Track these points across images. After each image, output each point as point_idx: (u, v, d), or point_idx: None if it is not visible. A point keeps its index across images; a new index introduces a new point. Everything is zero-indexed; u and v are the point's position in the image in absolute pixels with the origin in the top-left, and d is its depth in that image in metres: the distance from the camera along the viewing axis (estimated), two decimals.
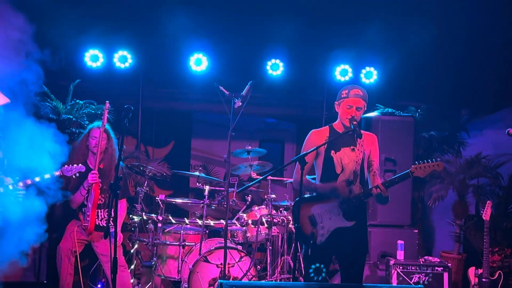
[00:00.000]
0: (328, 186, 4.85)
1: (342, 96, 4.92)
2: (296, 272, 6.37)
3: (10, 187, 4.67)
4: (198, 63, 8.25)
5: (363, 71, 8.63)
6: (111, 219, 4.49)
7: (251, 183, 4.92)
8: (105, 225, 5.91)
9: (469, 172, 7.83)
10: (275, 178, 7.31)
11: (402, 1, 7.70)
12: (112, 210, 4.45)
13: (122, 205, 6.18)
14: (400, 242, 7.08)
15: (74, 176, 5.33)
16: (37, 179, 4.84)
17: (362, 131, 4.91)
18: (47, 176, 4.92)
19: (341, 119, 4.95)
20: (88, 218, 5.72)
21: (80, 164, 5.41)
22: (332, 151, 4.92)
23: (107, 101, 5.66)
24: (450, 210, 8.06)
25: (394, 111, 8.22)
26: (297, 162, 4.68)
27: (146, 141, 9.25)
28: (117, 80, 8.21)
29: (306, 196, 5.04)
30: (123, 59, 8.15)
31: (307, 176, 5.06)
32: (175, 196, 7.71)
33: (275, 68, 8.48)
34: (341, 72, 8.57)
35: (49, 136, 4.97)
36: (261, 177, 5.16)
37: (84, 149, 6.00)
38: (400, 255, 7.00)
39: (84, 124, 7.25)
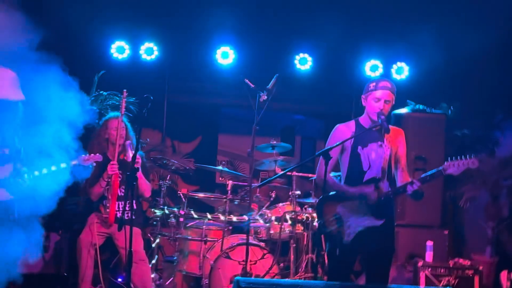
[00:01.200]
0: (357, 191, 4.64)
1: (370, 89, 4.71)
2: (321, 271, 6.21)
3: (26, 176, 4.60)
4: (225, 56, 8.16)
5: (394, 66, 8.45)
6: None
7: (273, 177, 4.78)
8: (127, 217, 5.81)
9: (503, 172, 7.57)
10: (300, 174, 7.14)
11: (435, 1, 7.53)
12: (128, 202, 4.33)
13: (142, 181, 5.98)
14: (429, 243, 6.85)
15: (91, 166, 5.24)
16: (53, 168, 4.77)
17: (390, 126, 4.71)
18: (63, 165, 4.84)
19: (368, 113, 4.75)
20: (108, 210, 5.63)
21: (98, 154, 5.32)
22: (359, 147, 4.73)
23: (125, 90, 5.55)
24: (482, 211, 7.80)
25: (425, 108, 7.99)
26: (321, 158, 4.50)
27: (173, 135, 9.18)
28: (142, 72, 8.17)
29: (331, 193, 4.84)
30: (150, 51, 8.10)
31: (332, 173, 4.87)
32: (200, 191, 7.60)
33: (303, 62, 8.34)
34: (371, 67, 8.39)
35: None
36: (282, 172, 5.01)
37: (102, 141, 5.91)
38: (429, 256, 6.77)
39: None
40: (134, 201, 5.28)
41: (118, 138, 5.66)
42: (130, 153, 5.53)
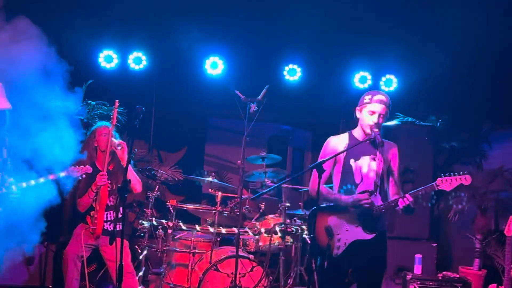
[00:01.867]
0: (350, 197, 4.61)
1: (364, 101, 4.68)
2: (310, 286, 6.16)
3: (14, 187, 4.51)
4: (214, 66, 8.11)
5: (383, 78, 8.45)
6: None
7: (266, 190, 4.73)
8: (112, 229, 5.73)
9: (491, 185, 7.61)
10: (290, 186, 7.10)
11: (425, 12, 7.55)
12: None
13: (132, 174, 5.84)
14: (417, 256, 6.85)
15: (81, 178, 5.15)
16: (41, 179, 4.69)
17: (383, 140, 4.70)
18: (52, 177, 4.76)
19: (362, 126, 4.72)
20: (95, 221, 5.54)
21: (87, 165, 5.24)
22: (352, 160, 4.70)
23: (117, 100, 5.48)
24: (470, 224, 7.82)
25: (414, 120, 8.02)
26: (314, 170, 4.46)
27: (159, 145, 9.10)
28: (131, 81, 8.10)
29: (323, 205, 4.79)
30: (138, 60, 8.04)
31: (324, 185, 4.84)
32: (187, 202, 7.52)
33: (292, 73, 8.32)
34: (360, 79, 8.39)
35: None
36: (276, 184, 4.97)
37: (91, 150, 5.82)
38: (418, 269, 6.77)
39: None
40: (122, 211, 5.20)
41: (108, 148, 5.57)
42: (116, 141, 5.48)
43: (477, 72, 7.88)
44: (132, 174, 5.74)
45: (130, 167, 5.47)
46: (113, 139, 5.53)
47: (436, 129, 7.85)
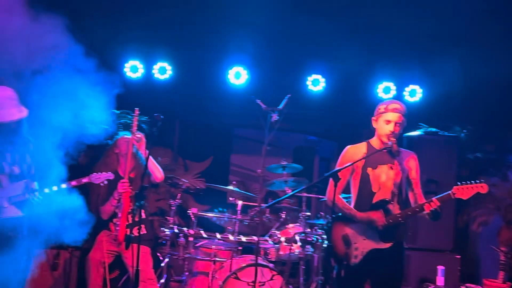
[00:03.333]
0: (365, 217, 4.62)
1: (380, 111, 4.71)
2: None
3: (37, 193, 4.62)
4: (238, 76, 8.17)
5: (407, 89, 8.39)
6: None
7: (282, 197, 4.76)
8: (135, 234, 5.81)
9: None
10: (311, 195, 7.11)
11: (448, 22, 7.50)
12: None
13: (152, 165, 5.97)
14: (440, 267, 6.78)
15: (102, 184, 5.24)
16: (63, 185, 4.78)
17: (401, 149, 4.69)
18: (74, 183, 4.86)
19: (379, 135, 4.74)
20: (117, 228, 5.62)
21: (109, 172, 5.33)
22: (369, 168, 4.71)
23: (136, 109, 5.57)
24: (495, 236, 7.71)
25: (438, 130, 7.95)
26: (331, 179, 4.48)
27: (185, 154, 9.19)
28: (155, 91, 8.20)
29: (340, 214, 4.81)
30: (163, 70, 8.14)
31: (342, 195, 4.85)
32: (212, 211, 7.58)
33: (315, 83, 8.33)
34: (384, 89, 8.35)
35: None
36: (291, 192, 4.99)
37: (114, 158, 5.93)
38: (441, 281, 6.70)
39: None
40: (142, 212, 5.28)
41: (129, 155, 5.65)
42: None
43: (503, 83, 7.78)
44: (152, 164, 5.83)
45: (150, 158, 5.62)
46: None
47: (461, 140, 7.78)
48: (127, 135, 5.91)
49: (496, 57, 7.54)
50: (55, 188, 4.71)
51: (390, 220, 4.56)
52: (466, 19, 7.40)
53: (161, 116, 4.42)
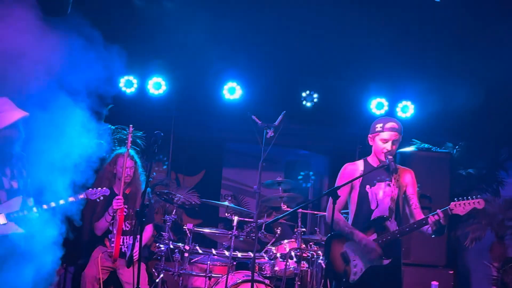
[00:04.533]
0: (363, 240, 4.61)
1: (377, 129, 4.74)
2: None
3: (35, 209, 4.60)
4: (232, 91, 8.21)
5: (399, 105, 8.48)
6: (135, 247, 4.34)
7: (281, 215, 4.76)
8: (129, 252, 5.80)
9: (508, 212, 7.59)
10: (306, 211, 7.13)
11: (441, 40, 7.60)
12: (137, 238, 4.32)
13: (148, 230, 6.08)
14: (434, 283, 6.83)
15: (98, 200, 5.23)
16: (61, 202, 4.77)
17: (398, 166, 4.74)
18: (71, 199, 4.84)
19: (376, 154, 4.78)
20: (113, 245, 5.62)
21: (104, 188, 5.33)
22: (367, 186, 4.75)
23: (131, 125, 5.58)
24: (487, 252, 7.78)
25: (430, 146, 8.03)
26: (330, 197, 4.51)
27: (177, 168, 9.20)
28: (150, 106, 8.23)
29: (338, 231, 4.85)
30: (157, 85, 8.16)
31: (341, 211, 4.89)
32: (204, 225, 7.57)
33: (309, 99, 8.38)
34: (377, 105, 8.43)
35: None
36: (291, 210, 5.00)
37: (110, 175, 5.93)
38: None
39: (114, 149, 7.20)
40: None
41: (124, 174, 5.66)
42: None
43: (494, 100, 7.88)
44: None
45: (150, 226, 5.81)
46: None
47: (453, 156, 7.85)
48: (122, 152, 5.91)
49: (486, 73, 7.63)
50: (53, 204, 4.69)
51: (389, 237, 4.59)
52: (457, 36, 7.50)
53: (161, 133, 4.43)
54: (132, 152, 5.74)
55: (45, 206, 4.68)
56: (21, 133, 4.61)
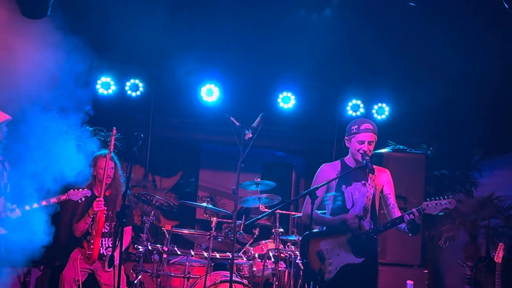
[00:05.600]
0: (338, 218, 4.73)
1: (352, 131, 4.83)
2: None
3: (18, 211, 4.60)
4: (210, 93, 8.23)
5: (375, 107, 8.59)
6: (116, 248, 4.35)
7: (260, 216, 4.80)
8: (109, 254, 5.80)
9: (481, 212, 7.71)
10: (284, 211, 7.19)
11: (415, 44, 7.70)
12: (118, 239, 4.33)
13: (127, 232, 6.09)
14: (409, 282, 6.91)
15: (79, 201, 5.23)
16: (43, 203, 4.77)
17: (374, 166, 4.82)
18: (53, 200, 4.85)
19: (353, 154, 4.86)
20: (92, 246, 5.61)
21: (86, 189, 5.32)
22: (343, 186, 4.83)
23: (114, 128, 5.59)
24: (461, 251, 7.90)
25: (405, 148, 8.14)
26: (307, 196, 4.58)
27: (154, 170, 9.19)
28: (127, 108, 8.22)
29: (314, 230, 4.92)
30: (135, 87, 8.14)
31: (317, 211, 4.95)
32: (181, 227, 7.59)
33: (286, 101, 8.45)
34: (353, 107, 8.53)
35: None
36: (270, 211, 5.05)
37: (90, 177, 5.91)
38: None
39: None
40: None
41: (105, 176, 5.66)
42: None
43: (468, 102, 8.00)
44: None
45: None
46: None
47: (427, 157, 7.95)
48: (103, 154, 5.90)
49: (459, 75, 7.76)
50: (35, 205, 4.69)
51: (362, 234, 4.67)
52: (430, 39, 7.62)
53: (142, 135, 4.45)
54: (112, 154, 5.73)
55: (27, 207, 4.68)
56: (3, 135, 4.60)
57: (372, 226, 4.76)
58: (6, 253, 4.58)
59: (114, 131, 5.58)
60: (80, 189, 5.29)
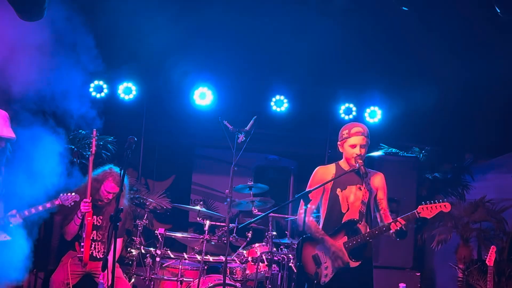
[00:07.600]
0: (332, 247, 4.72)
1: (344, 136, 4.85)
2: None
3: (18, 217, 4.60)
4: (203, 97, 8.23)
5: (368, 110, 8.61)
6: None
7: (253, 219, 4.81)
8: (101, 256, 5.77)
9: (473, 215, 7.74)
10: (277, 215, 7.19)
11: (408, 47, 7.73)
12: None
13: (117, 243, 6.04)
14: (402, 285, 6.93)
15: (69, 206, 5.22)
16: (40, 207, 4.76)
17: (368, 170, 4.84)
18: (48, 205, 4.84)
19: (347, 159, 4.88)
20: (82, 249, 5.58)
21: (74, 194, 5.29)
22: (338, 189, 4.84)
23: (95, 129, 5.57)
24: (453, 254, 7.94)
25: (398, 151, 8.17)
26: (302, 200, 4.59)
27: (147, 174, 9.18)
28: (120, 111, 8.18)
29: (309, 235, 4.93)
30: (128, 90, 8.13)
31: (312, 217, 4.95)
32: (174, 230, 7.57)
33: (279, 104, 8.46)
34: (345, 110, 8.54)
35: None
36: (263, 214, 5.05)
37: (93, 190, 5.77)
38: None
39: (85, 154, 7.16)
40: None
41: (89, 177, 5.62)
42: None
43: (460, 105, 8.04)
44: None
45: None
46: None
47: (420, 160, 7.99)
48: (113, 171, 5.87)
49: (451, 79, 7.79)
50: (33, 210, 4.69)
51: (359, 240, 4.69)
52: (423, 43, 7.65)
53: (135, 139, 4.45)
54: (126, 180, 5.57)
55: (26, 213, 4.67)
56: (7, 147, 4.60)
57: (368, 230, 4.78)
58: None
59: (95, 133, 5.57)
60: (70, 194, 5.26)
